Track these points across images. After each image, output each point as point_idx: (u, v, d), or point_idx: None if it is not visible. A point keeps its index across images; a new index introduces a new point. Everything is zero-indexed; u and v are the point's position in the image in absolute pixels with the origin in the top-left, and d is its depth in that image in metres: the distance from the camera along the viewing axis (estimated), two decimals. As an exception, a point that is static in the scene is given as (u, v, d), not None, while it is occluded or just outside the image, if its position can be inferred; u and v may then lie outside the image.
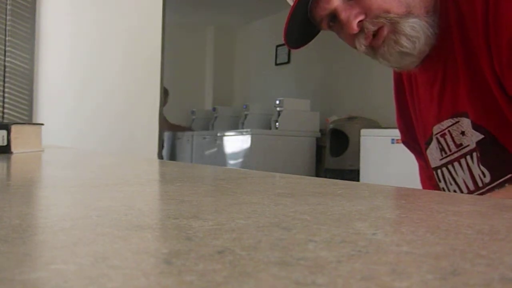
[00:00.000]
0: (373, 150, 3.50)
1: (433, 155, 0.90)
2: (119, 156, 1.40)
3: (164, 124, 4.25)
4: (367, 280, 0.17)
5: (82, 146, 2.23)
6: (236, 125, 5.22)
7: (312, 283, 0.16)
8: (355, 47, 0.80)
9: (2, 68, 2.19)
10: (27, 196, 0.44)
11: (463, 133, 0.82)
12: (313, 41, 0.86)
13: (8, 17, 2.19)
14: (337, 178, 0.63)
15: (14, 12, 2.21)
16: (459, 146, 0.83)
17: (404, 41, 0.75)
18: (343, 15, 0.76)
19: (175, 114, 5.54)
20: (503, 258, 0.21)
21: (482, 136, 0.77)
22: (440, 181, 0.90)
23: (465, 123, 0.80)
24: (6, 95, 2.19)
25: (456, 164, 0.85)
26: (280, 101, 4.59)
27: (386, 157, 3.31)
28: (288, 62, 5.68)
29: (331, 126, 4.27)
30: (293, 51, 5.27)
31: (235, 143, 4.62)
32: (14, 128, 1.08)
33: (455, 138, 0.83)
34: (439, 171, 0.90)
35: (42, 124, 1.33)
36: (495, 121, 0.76)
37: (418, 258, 0.20)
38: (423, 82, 0.88)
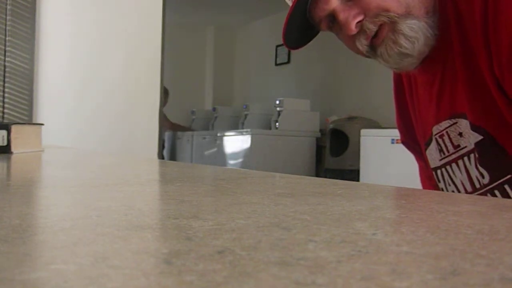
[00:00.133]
0: (373, 150, 3.50)
1: (433, 155, 0.90)
2: (119, 156, 1.40)
3: (165, 122, 4.26)
4: (367, 280, 0.17)
5: (82, 146, 2.23)
6: (236, 125, 5.22)
7: (312, 283, 0.16)
8: (355, 49, 0.79)
9: (2, 68, 2.19)
10: (27, 196, 0.44)
11: (460, 134, 0.81)
12: (313, 41, 0.86)
13: (8, 17, 2.19)
14: (337, 178, 0.63)
15: (14, 12, 2.21)
16: (456, 147, 0.83)
17: (403, 41, 0.74)
18: (342, 16, 0.75)
19: (175, 114, 5.55)
20: (503, 258, 0.21)
21: (481, 137, 0.77)
22: (439, 181, 0.90)
23: (463, 124, 0.80)
24: (6, 95, 2.19)
25: (454, 165, 0.85)
26: (280, 101, 4.60)
27: (386, 157, 3.31)
28: (288, 62, 5.68)
29: (331, 126, 4.27)
30: (293, 51, 5.27)
31: (235, 143, 4.63)
32: (14, 128, 1.08)
33: (453, 139, 0.83)
34: (438, 171, 0.90)
35: (42, 124, 1.33)
36: (494, 122, 0.75)
37: (418, 258, 0.20)
38: (423, 83, 0.88)
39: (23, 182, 0.57)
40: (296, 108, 4.64)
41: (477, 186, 0.82)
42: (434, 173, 0.91)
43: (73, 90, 2.37)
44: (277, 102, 4.60)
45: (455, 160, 0.85)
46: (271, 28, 5.70)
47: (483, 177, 0.80)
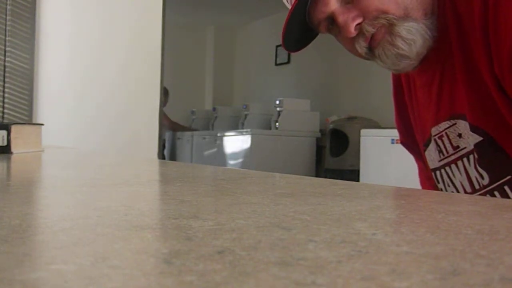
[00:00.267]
0: (373, 150, 3.50)
1: (432, 156, 0.90)
2: (119, 156, 1.40)
3: (165, 121, 4.26)
4: (367, 280, 0.17)
5: (83, 146, 2.23)
6: (236, 125, 5.22)
7: (312, 283, 0.16)
8: (354, 51, 0.79)
9: (2, 68, 2.19)
10: (27, 196, 0.44)
11: (460, 135, 0.81)
12: (313, 41, 0.86)
13: (8, 17, 2.20)
14: (337, 178, 0.63)
15: (14, 12, 2.21)
16: (456, 148, 0.83)
17: (400, 43, 0.74)
18: (341, 19, 0.75)
19: (175, 114, 5.55)
20: (503, 258, 0.21)
21: (481, 139, 0.77)
22: (438, 182, 0.90)
23: (462, 125, 0.80)
24: (6, 95, 2.19)
25: (453, 166, 0.85)
26: (280, 101, 4.60)
27: (386, 157, 3.31)
28: (288, 62, 5.68)
29: (331, 126, 4.27)
30: (293, 52, 5.26)
31: (235, 143, 4.63)
32: (14, 128, 1.08)
33: (452, 140, 0.83)
34: (437, 172, 0.90)
35: (42, 124, 1.33)
36: (493, 122, 0.75)
37: (418, 258, 0.20)
38: (422, 84, 0.87)
39: (23, 182, 0.58)
40: (296, 108, 4.64)
41: (477, 187, 0.82)
42: (433, 174, 0.91)
43: (73, 90, 2.37)
44: (277, 102, 4.60)
45: (454, 161, 0.84)
46: (271, 28, 5.70)
47: (482, 178, 0.80)
